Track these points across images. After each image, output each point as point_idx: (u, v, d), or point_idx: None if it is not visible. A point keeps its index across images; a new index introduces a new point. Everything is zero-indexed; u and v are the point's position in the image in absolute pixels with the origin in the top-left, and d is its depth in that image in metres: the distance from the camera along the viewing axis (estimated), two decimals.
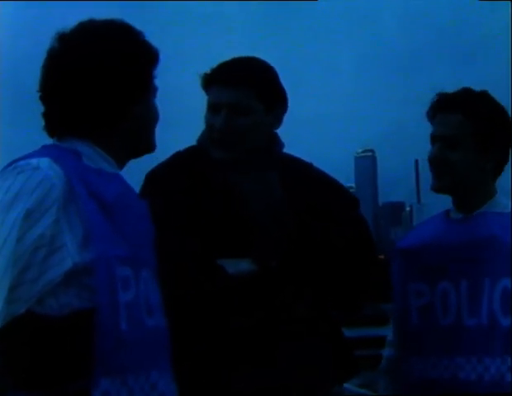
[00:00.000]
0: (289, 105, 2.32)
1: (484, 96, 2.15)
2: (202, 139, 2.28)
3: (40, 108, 1.69)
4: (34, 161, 1.54)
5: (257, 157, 2.21)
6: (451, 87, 2.19)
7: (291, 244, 2.14)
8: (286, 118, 2.32)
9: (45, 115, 1.67)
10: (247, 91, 2.15)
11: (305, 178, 2.26)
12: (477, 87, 2.15)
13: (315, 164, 2.38)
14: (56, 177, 1.51)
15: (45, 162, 1.53)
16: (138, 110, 1.67)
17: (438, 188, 2.16)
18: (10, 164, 1.56)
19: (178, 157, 2.27)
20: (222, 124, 2.15)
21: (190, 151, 2.30)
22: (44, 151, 1.61)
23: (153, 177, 2.20)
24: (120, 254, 1.54)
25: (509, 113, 2.16)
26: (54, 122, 1.67)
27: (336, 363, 2.21)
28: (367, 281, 2.26)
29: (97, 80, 1.61)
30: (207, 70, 2.22)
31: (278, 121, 2.28)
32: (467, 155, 2.10)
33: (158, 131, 1.77)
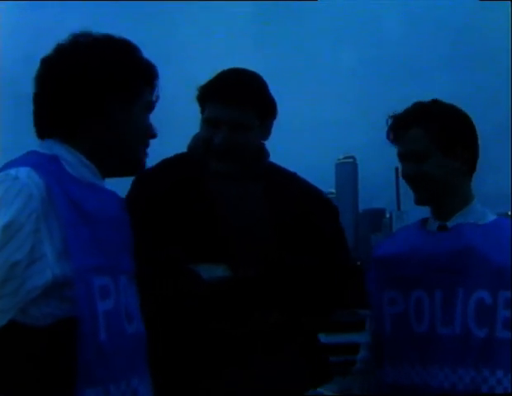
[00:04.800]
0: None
1: (435, 104, 2.21)
2: (193, 148, 2.31)
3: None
4: (12, 171, 1.51)
5: (245, 169, 2.26)
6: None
7: (269, 255, 2.17)
8: None
9: (34, 115, 1.68)
10: (247, 111, 2.20)
11: (289, 190, 2.30)
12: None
13: (296, 169, 2.41)
14: (35, 187, 1.49)
15: (23, 171, 1.51)
16: (116, 118, 1.66)
17: (419, 201, 2.21)
18: None
19: (166, 164, 2.30)
20: (222, 141, 2.19)
21: (178, 158, 2.33)
22: (25, 158, 1.59)
23: (139, 181, 2.21)
24: (99, 264, 1.53)
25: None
26: (39, 122, 1.67)
27: (309, 368, 2.24)
28: (341, 291, 2.29)
29: (75, 86, 1.61)
30: (203, 83, 2.25)
31: (269, 132, 2.33)
32: (438, 164, 2.15)
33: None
